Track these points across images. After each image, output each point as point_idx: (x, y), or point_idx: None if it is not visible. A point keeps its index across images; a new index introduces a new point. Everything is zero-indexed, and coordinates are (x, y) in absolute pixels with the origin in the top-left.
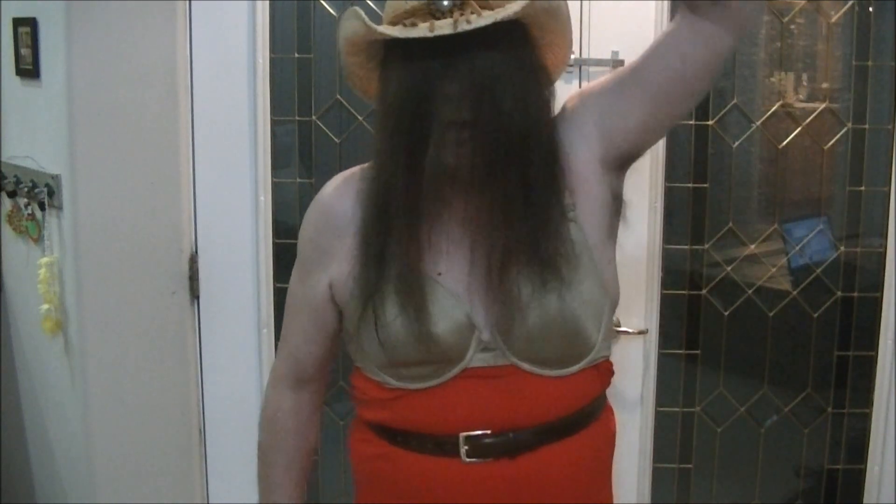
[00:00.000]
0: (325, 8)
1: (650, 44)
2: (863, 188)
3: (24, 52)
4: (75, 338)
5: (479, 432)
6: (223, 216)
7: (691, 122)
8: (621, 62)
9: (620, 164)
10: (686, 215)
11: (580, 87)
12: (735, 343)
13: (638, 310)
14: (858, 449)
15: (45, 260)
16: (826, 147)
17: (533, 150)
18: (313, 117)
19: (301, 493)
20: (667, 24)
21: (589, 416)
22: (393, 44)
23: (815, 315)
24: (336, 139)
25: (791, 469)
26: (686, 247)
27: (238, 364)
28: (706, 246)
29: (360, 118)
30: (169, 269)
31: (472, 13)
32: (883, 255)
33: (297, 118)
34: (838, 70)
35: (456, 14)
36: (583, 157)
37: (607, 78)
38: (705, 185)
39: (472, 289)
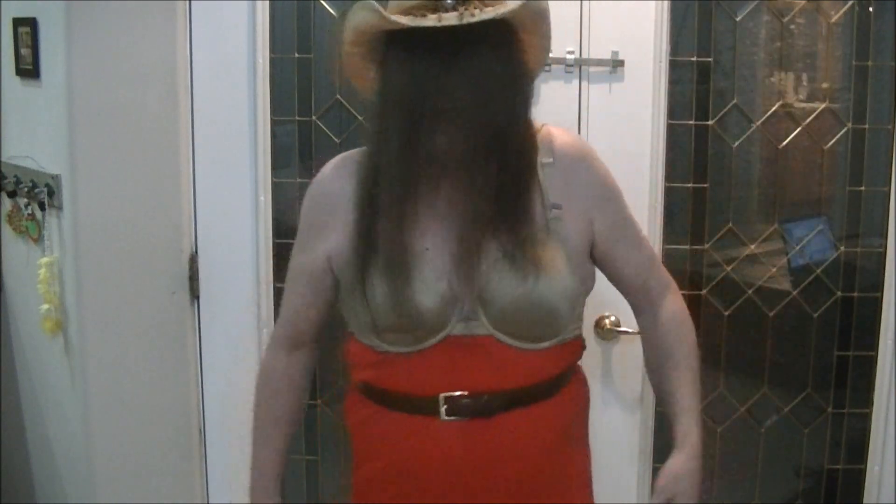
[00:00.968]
0: (325, 8)
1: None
2: (863, 188)
3: (24, 52)
4: (75, 338)
5: (458, 393)
6: (223, 216)
7: (691, 123)
8: (621, 62)
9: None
10: (686, 215)
11: (580, 86)
12: (735, 343)
13: None
14: (858, 449)
15: (45, 260)
16: (826, 147)
17: (513, 141)
18: (313, 117)
19: (286, 446)
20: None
21: (557, 385)
22: (397, 37)
23: (815, 315)
24: (336, 139)
25: (791, 469)
26: (686, 247)
27: (238, 364)
28: (706, 246)
29: (360, 118)
30: (169, 269)
31: (476, 9)
32: (883, 255)
33: (297, 118)
34: (838, 70)
35: (461, 9)
36: (578, 201)
37: (619, 231)
38: (705, 185)
39: (456, 263)
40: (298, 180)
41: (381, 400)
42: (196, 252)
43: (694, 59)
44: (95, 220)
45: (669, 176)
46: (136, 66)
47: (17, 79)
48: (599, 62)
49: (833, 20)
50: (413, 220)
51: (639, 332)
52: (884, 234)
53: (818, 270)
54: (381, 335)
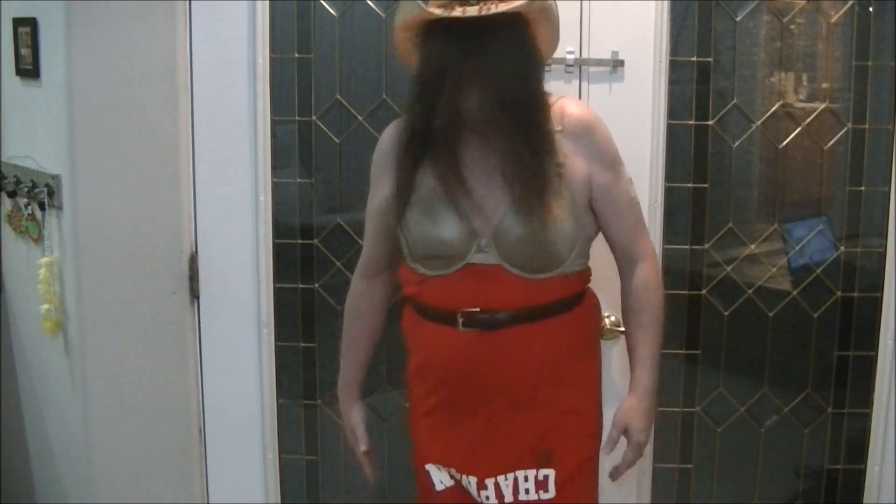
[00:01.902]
0: (325, 8)
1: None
2: (863, 188)
3: (24, 52)
4: (75, 338)
5: (472, 310)
6: (223, 216)
7: (691, 122)
8: (621, 62)
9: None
10: (686, 215)
11: (580, 86)
12: (735, 343)
13: None
14: (858, 449)
15: (45, 260)
16: (826, 147)
17: (527, 107)
18: (313, 117)
19: (368, 356)
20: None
21: (558, 308)
22: (433, 26)
23: (815, 315)
24: (336, 139)
25: (791, 469)
26: (686, 247)
27: (238, 364)
28: (706, 246)
29: (360, 118)
30: (169, 269)
31: (493, 4)
32: (883, 255)
33: (297, 118)
34: (838, 70)
35: (481, 4)
36: (580, 163)
37: (611, 190)
38: (705, 185)
39: (478, 205)
40: (298, 180)
41: (420, 311)
42: (196, 252)
43: (694, 59)
44: (95, 220)
45: (669, 176)
46: (136, 66)
47: (17, 79)
48: (599, 62)
49: (833, 20)
50: (443, 171)
51: None
52: (884, 234)
53: (818, 270)
54: (417, 262)
